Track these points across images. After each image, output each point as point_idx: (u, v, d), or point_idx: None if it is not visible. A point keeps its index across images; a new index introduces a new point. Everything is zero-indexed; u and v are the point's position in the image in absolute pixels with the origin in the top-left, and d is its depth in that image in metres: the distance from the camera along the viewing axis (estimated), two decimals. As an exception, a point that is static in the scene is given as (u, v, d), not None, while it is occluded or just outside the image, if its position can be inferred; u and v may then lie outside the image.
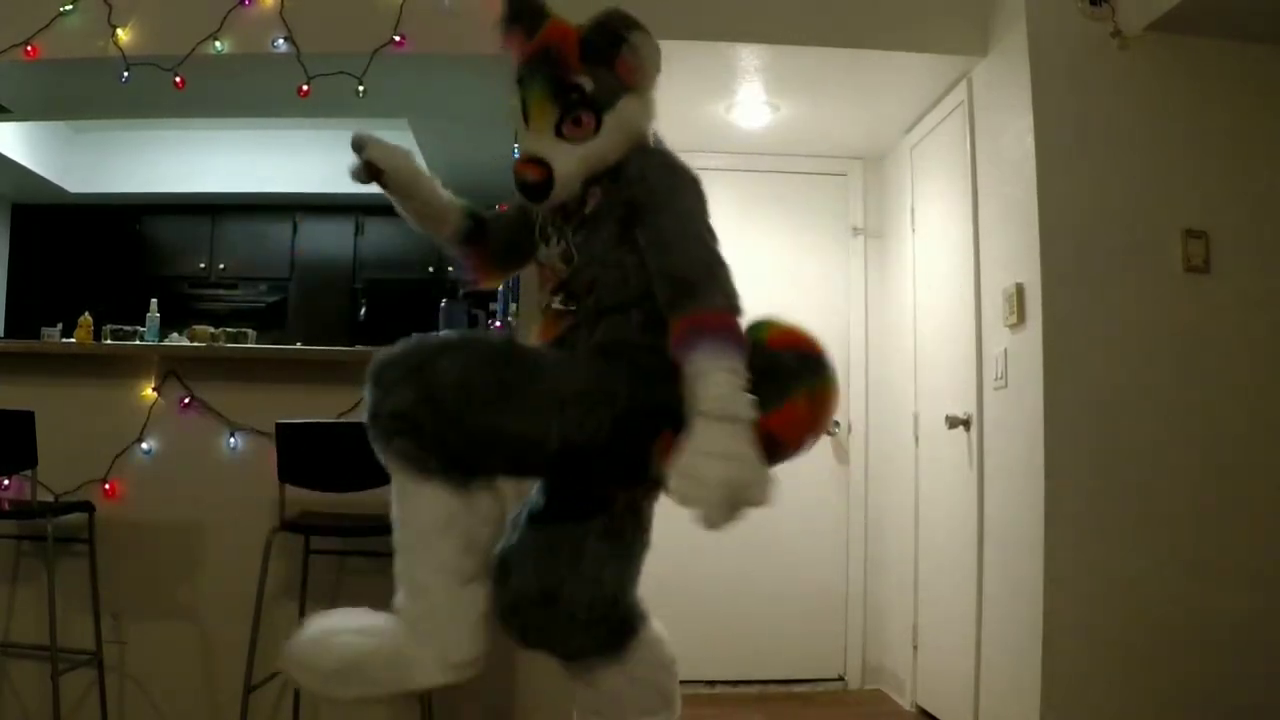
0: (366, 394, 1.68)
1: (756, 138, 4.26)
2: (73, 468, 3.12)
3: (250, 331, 4.45)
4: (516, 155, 1.87)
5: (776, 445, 1.65)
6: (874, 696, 4.18)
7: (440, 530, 1.66)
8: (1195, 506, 2.93)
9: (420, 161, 2.04)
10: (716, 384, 1.57)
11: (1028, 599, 2.92)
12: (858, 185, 4.54)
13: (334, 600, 3.08)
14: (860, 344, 4.43)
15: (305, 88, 3.36)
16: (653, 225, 1.77)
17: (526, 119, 1.85)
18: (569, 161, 1.82)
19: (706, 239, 1.77)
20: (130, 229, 6.24)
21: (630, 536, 1.84)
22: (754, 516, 1.52)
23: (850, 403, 4.39)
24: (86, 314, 4.09)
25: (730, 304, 1.69)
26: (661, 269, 1.73)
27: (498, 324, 3.79)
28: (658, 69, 1.86)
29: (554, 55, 1.83)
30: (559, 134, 1.82)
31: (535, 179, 1.81)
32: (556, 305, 1.86)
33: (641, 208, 1.79)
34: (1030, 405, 2.97)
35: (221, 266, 6.26)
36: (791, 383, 1.72)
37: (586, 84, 1.82)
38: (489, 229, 2.06)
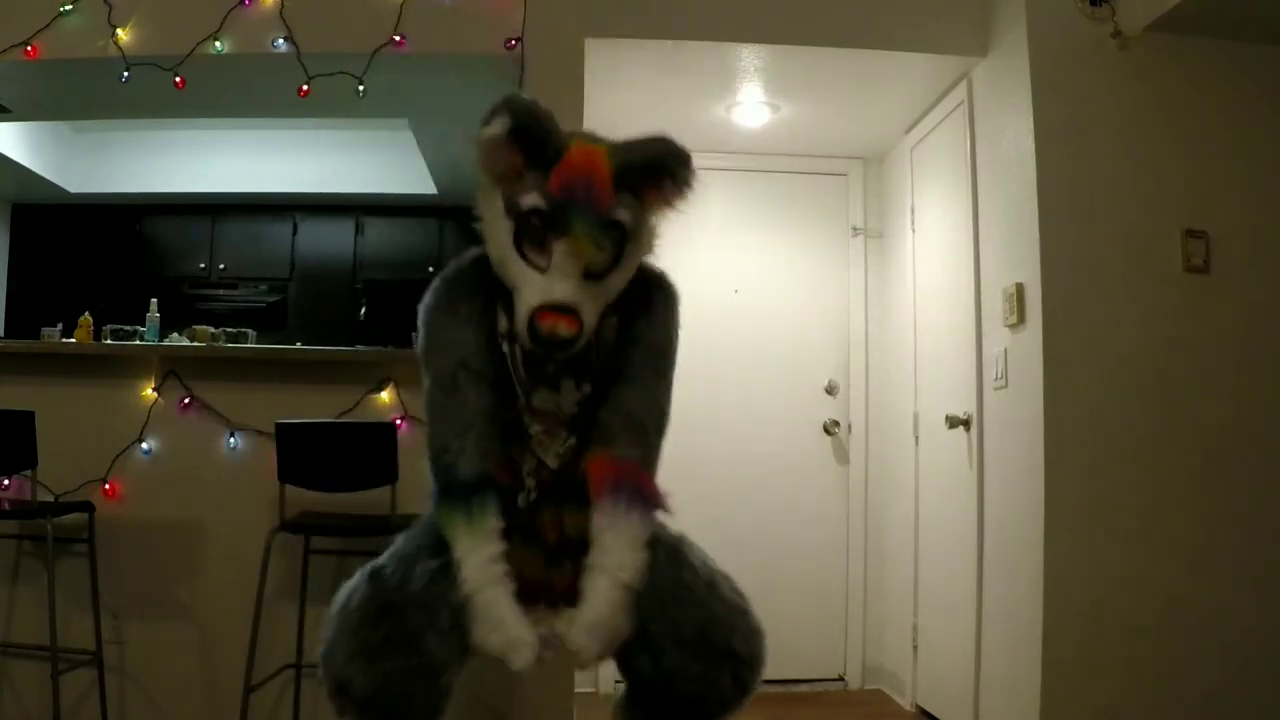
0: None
1: (756, 138, 4.26)
2: (73, 468, 3.12)
3: (250, 331, 4.46)
4: (535, 302, 1.61)
5: None
6: (874, 696, 4.17)
7: None
8: (1195, 506, 2.92)
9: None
10: (626, 546, 1.63)
11: (1028, 599, 2.92)
12: (858, 185, 4.54)
13: (334, 600, 3.09)
14: (860, 344, 4.43)
15: (305, 88, 3.36)
16: (643, 365, 1.71)
17: (547, 255, 1.61)
18: (594, 307, 1.64)
19: (668, 401, 1.77)
20: (130, 229, 6.24)
21: None
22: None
23: (850, 403, 4.39)
24: (86, 314, 4.10)
25: (655, 470, 1.73)
26: (624, 407, 1.69)
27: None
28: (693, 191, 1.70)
29: (594, 189, 1.59)
30: (587, 275, 1.62)
31: (570, 333, 1.59)
32: (562, 444, 1.73)
33: (640, 346, 1.71)
34: (1030, 405, 2.97)
35: (221, 266, 6.26)
36: None
37: (626, 219, 1.64)
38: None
